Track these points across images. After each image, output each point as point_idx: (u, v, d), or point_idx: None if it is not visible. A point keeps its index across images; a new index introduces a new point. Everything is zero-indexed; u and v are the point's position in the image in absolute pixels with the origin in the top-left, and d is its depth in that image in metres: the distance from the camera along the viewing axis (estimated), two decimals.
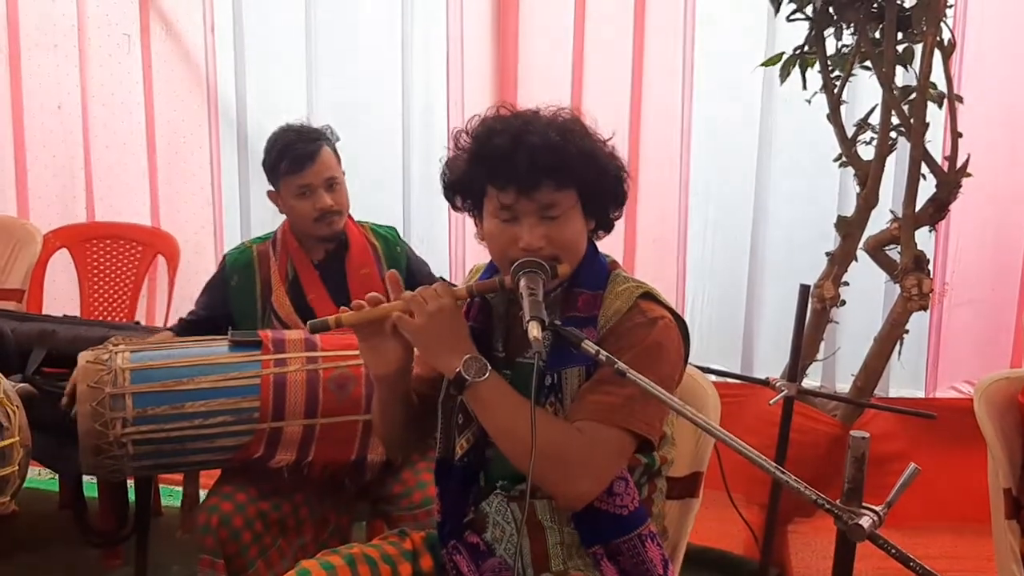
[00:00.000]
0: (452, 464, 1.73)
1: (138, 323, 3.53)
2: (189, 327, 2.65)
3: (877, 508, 1.32)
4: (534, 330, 1.43)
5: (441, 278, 2.84)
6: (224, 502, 2.32)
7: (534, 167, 1.57)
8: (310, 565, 1.68)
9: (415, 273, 2.72)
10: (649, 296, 1.67)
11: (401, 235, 2.80)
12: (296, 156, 2.54)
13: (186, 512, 3.22)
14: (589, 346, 1.45)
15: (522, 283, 1.54)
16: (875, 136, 2.91)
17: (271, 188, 2.63)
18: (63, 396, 2.37)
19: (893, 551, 1.28)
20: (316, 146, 2.54)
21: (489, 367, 1.57)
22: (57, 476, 3.57)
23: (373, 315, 1.64)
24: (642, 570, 1.65)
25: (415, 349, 1.68)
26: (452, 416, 1.72)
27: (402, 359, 1.67)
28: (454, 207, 1.75)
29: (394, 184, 3.71)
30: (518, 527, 1.67)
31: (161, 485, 3.43)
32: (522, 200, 1.58)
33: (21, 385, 2.22)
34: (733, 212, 3.54)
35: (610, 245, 1.78)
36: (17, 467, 2.06)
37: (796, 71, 2.97)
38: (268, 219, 3.37)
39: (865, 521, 1.29)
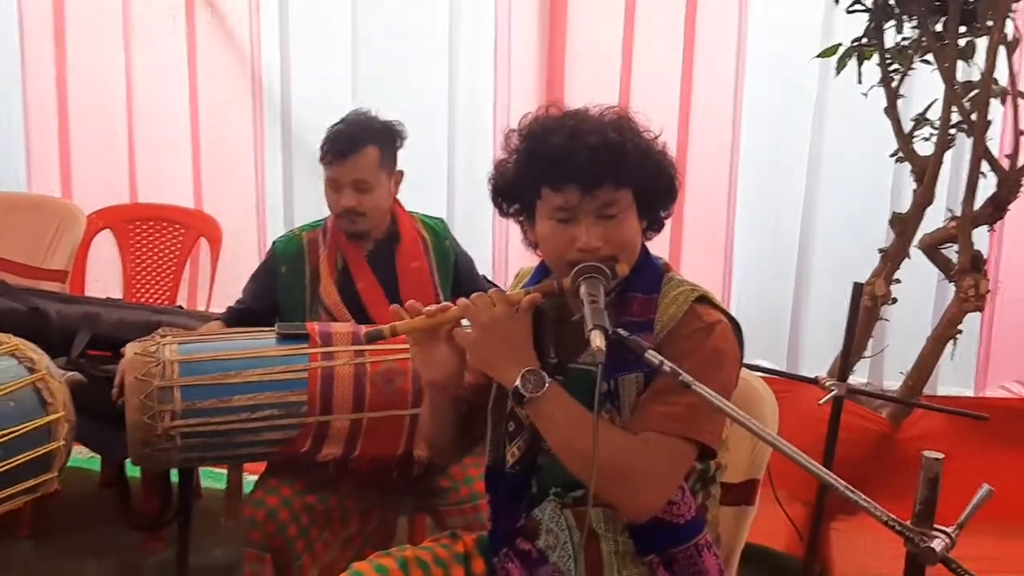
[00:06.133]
0: (503, 472, 1.70)
1: (181, 307, 3.53)
2: (238, 316, 2.64)
3: (948, 529, 1.29)
4: (597, 339, 1.40)
5: (484, 277, 2.83)
6: (270, 496, 2.32)
7: (594, 166, 1.54)
8: (362, 567, 1.67)
9: (461, 269, 2.70)
10: (704, 300, 1.63)
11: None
12: (332, 148, 2.52)
13: (230, 498, 3.23)
14: (653, 356, 1.42)
15: (583, 289, 1.51)
16: (934, 132, 2.86)
17: None
18: (112, 387, 2.37)
19: None
20: (356, 144, 2.49)
21: (547, 380, 1.53)
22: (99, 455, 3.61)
23: (429, 324, 1.62)
24: None
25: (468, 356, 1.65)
26: (502, 423, 1.70)
27: (455, 365, 1.65)
28: (501, 212, 1.72)
29: (438, 176, 3.69)
30: (572, 534, 1.64)
31: (202, 468, 3.43)
32: (581, 200, 1.55)
33: (71, 374, 2.22)
34: (783, 206, 3.50)
35: (657, 237, 1.74)
36: (63, 442, 2.07)
37: (852, 64, 2.91)
38: (312, 203, 3.37)
39: (937, 544, 1.25)
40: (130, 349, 2.29)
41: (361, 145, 2.50)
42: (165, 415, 2.22)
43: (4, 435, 1.67)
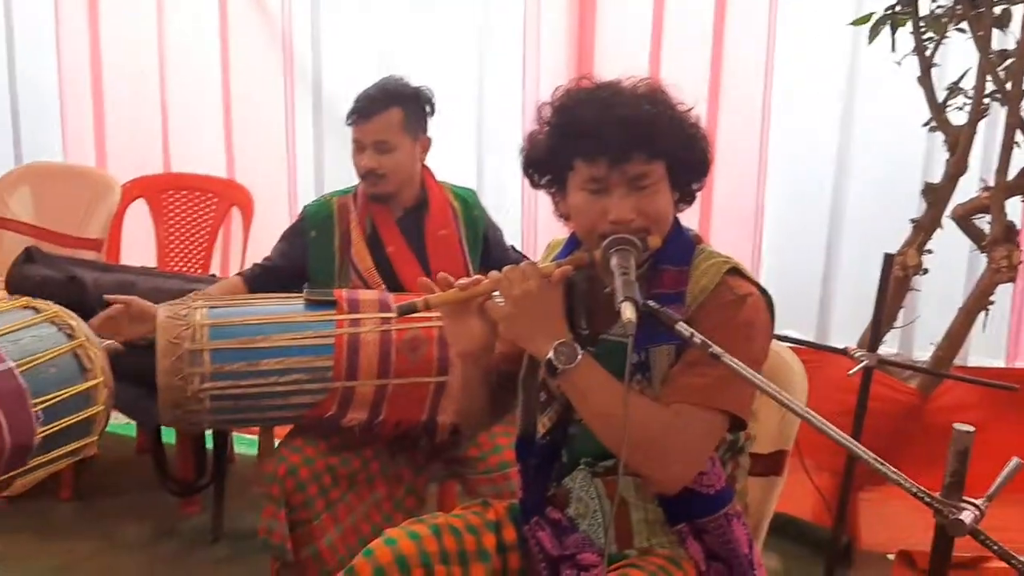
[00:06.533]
0: (534, 441, 1.72)
1: (214, 275, 3.57)
2: (263, 273, 2.67)
3: (978, 501, 1.29)
4: (628, 311, 1.40)
5: (513, 248, 2.84)
6: (293, 454, 2.36)
7: (626, 138, 1.54)
8: (396, 534, 1.69)
9: (490, 239, 2.71)
10: (736, 272, 1.64)
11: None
12: (356, 109, 2.55)
13: (261, 465, 3.29)
14: (684, 328, 1.43)
15: (614, 261, 1.51)
16: (967, 101, 2.82)
17: None
18: (147, 354, 2.40)
19: (995, 547, 1.25)
20: (380, 106, 2.52)
21: (580, 352, 1.54)
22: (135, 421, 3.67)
23: (461, 297, 1.63)
24: (728, 549, 1.64)
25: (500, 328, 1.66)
26: (534, 394, 1.72)
27: (486, 337, 1.66)
28: (532, 184, 1.72)
29: (468, 147, 3.68)
30: (602, 503, 1.66)
31: (235, 433, 3.49)
32: (613, 172, 1.55)
33: (108, 341, 2.26)
34: (813, 176, 3.46)
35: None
36: (103, 407, 2.11)
37: (885, 32, 2.88)
38: (342, 174, 3.37)
39: (966, 516, 1.26)
40: (162, 312, 2.33)
41: (383, 106, 2.52)
42: (195, 378, 2.27)
43: (46, 400, 1.71)
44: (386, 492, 2.44)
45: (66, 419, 1.87)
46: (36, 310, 1.91)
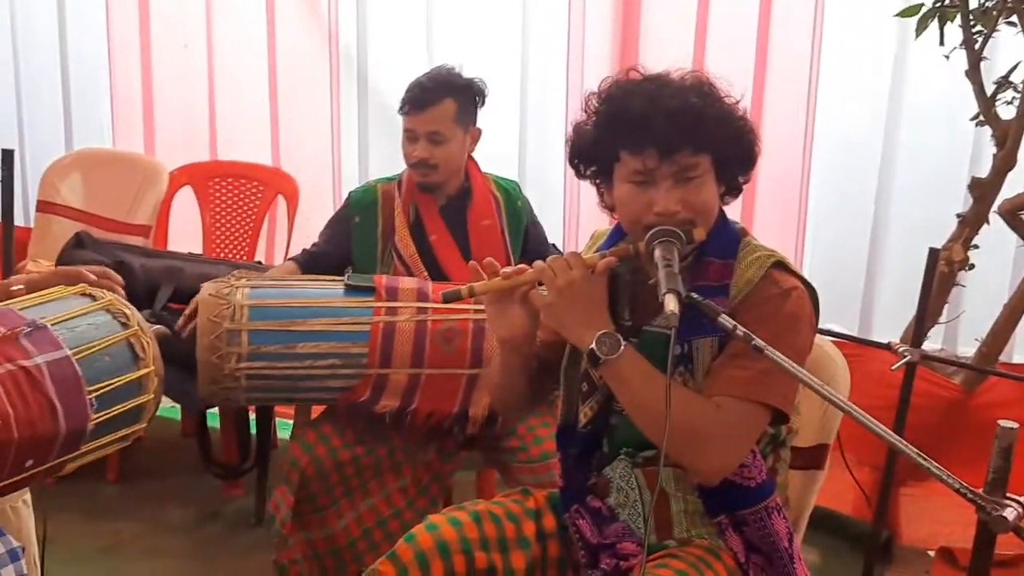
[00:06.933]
0: (575, 431, 1.73)
1: (259, 263, 3.62)
2: (312, 259, 2.72)
3: (1021, 499, 1.29)
4: (671, 303, 1.42)
5: (553, 245, 2.85)
6: (320, 444, 2.41)
7: (673, 130, 1.54)
8: (438, 520, 1.71)
9: (531, 233, 2.73)
10: (781, 265, 1.64)
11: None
12: (410, 98, 2.57)
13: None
14: (726, 320, 1.44)
15: (657, 253, 1.52)
16: (1016, 95, 2.79)
17: None
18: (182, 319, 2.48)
19: None
20: (434, 96, 2.54)
21: (623, 342, 1.55)
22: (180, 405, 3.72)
23: (506, 286, 1.64)
24: (768, 542, 1.65)
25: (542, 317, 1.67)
26: (576, 384, 1.73)
27: (528, 325, 1.67)
28: (578, 175, 1.73)
29: (510, 137, 3.66)
30: (642, 493, 1.67)
31: (278, 419, 3.53)
32: (659, 164, 1.56)
33: (157, 327, 2.30)
34: (859, 169, 3.42)
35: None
36: (153, 395, 2.15)
37: (933, 25, 2.85)
38: (386, 163, 3.39)
39: (1009, 513, 1.26)
40: (205, 289, 2.39)
41: (438, 98, 2.54)
42: (232, 357, 2.32)
43: (100, 388, 1.73)
44: (412, 478, 2.46)
45: (118, 407, 1.89)
46: (93, 298, 1.93)
